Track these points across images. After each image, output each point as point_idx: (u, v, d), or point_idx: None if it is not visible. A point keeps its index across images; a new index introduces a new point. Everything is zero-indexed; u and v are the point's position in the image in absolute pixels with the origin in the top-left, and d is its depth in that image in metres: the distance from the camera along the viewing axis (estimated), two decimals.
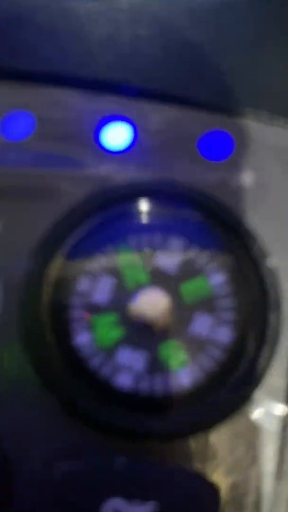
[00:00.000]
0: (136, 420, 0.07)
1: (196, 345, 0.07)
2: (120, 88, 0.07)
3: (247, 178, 0.07)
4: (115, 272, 0.07)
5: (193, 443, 0.07)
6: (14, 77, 0.07)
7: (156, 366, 0.07)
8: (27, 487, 0.06)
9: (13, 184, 0.07)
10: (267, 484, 0.07)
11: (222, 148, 0.07)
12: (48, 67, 0.07)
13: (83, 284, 0.07)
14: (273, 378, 0.07)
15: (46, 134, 0.07)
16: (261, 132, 0.07)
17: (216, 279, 0.07)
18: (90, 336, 0.07)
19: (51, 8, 0.07)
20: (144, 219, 0.07)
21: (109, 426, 0.07)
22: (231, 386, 0.07)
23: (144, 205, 0.07)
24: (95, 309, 0.07)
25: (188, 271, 0.07)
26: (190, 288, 0.07)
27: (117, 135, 0.07)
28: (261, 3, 0.08)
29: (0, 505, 0.07)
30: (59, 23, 0.07)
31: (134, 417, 0.07)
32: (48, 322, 0.07)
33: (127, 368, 0.07)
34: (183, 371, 0.07)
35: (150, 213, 0.07)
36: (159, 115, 0.07)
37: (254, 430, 0.07)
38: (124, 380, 0.07)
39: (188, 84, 0.07)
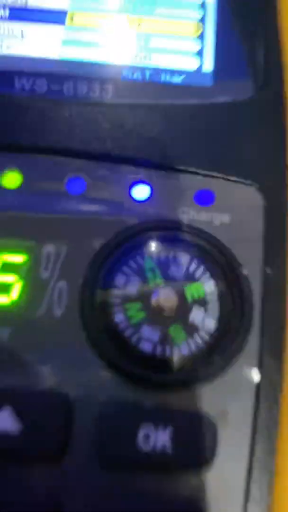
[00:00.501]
0: (152, 372, 0.10)
1: (192, 329, 0.10)
2: (141, 162, 0.12)
3: (225, 218, 0.11)
4: (142, 276, 0.10)
5: (192, 392, 0.10)
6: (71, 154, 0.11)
7: (166, 340, 0.10)
8: (83, 428, 0.09)
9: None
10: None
11: (208, 199, 0.11)
12: (95, 148, 0.12)
13: (119, 282, 0.10)
14: (248, 348, 0.10)
15: (95, 192, 0.11)
16: (231, 187, 0.11)
17: (208, 285, 0.11)
18: (124, 317, 0.10)
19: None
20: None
21: (136, 375, 0.10)
22: (217, 354, 0.10)
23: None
24: (127, 299, 0.10)
25: (190, 278, 0.10)
26: (191, 290, 0.10)
27: (141, 191, 0.11)
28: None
29: (60, 444, 0.09)
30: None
31: (151, 370, 0.10)
32: (99, 309, 0.10)
33: (147, 339, 0.10)
34: (183, 344, 0.10)
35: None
36: (167, 178, 0.11)
37: (237, 385, 0.10)
38: (145, 347, 0.10)
39: (185, 159, 0.11)
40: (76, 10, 0.13)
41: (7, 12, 0.13)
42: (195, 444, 0.09)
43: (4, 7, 0.13)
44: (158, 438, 0.09)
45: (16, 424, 0.09)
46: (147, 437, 0.09)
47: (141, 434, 0.09)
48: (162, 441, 0.09)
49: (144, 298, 0.10)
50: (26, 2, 0.14)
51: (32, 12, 0.13)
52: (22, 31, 0.13)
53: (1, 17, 0.13)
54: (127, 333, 0.10)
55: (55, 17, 0.13)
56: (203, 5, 0.14)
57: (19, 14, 0.13)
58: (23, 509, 0.09)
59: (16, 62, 0.13)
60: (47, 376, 0.10)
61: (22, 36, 0.13)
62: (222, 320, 0.10)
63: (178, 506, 0.09)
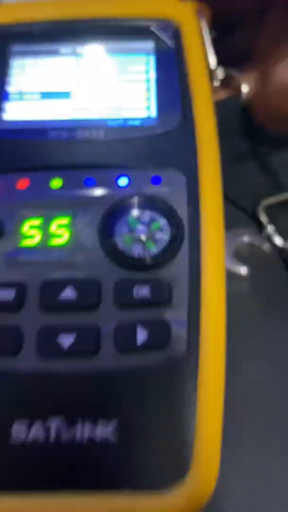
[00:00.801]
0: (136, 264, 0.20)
1: (157, 242, 0.21)
2: (124, 166, 0.22)
3: (166, 189, 0.21)
4: (128, 224, 0.21)
5: (155, 272, 0.20)
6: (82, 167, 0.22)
7: (144, 249, 0.20)
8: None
9: None
10: None
11: (158, 180, 0.22)
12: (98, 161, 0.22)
13: (118, 228, 0.21)
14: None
15: (99, 183, 0.22)
16: (171, 173, 0.22)
17: (162, 222, 0.21)
18: (123, 244, 0.20)
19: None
20: None
21: (129, 265, 0.20)
22: (168, 253, 0.20)
23: None
24: (122, 235, 0.21)
25: (153, 220, 0.21)
26: (155, 225, 0.21)
27: (123, 181, 0.22)
28: None
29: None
30: None
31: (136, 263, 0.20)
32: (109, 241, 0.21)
33: (135, 250, 0.20)
34: (152, 249, 0.20)
35: None
36: (138, 173, 0.22)
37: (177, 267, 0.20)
38: (135, 253, 0.20)
39: (147, 162, 0.22)
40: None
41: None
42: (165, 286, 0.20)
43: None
44: (142, 291, 0.20)
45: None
46: (137, 290, 0.20)
47: (135, 290, 0.20)
48: (144, 293, 0.20)
49: (131, 233, 0.21)
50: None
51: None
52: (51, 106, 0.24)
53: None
54: (125, 249, 0.20)
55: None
56: (148, 80, 0.25)
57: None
58: None
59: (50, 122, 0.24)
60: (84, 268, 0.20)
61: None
62: (170, 238, 0.21)
63: None
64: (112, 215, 0.21)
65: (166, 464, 0.18)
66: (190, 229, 0.21)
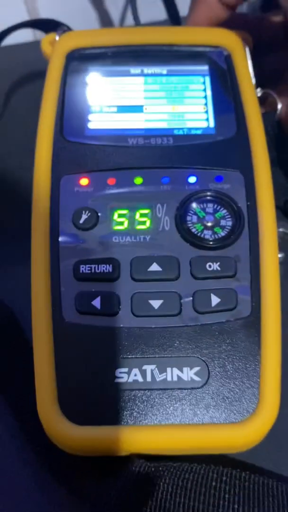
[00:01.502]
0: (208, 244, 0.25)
1: (222, 227, 0.25)
2: (190, 166, 0.27)
3: (228, 186, 0.26)
4: (196, 214, 0.26)
5: (223, 250, 0.25)
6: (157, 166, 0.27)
7: (213, 232, 0.25)
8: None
9: None
10: None
11: (220, 179, 0.26)
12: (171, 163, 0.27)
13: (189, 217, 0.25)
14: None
15: (173, 180, 0.27)
16: (230, 172, 0.26)
17: (224, 212, 0.26)
18: (195, 229, 0.25)
19: None
20: None
21: (200, 245, 0.25)
22: (233, 236, 0.25)
23: None
24: (194, 223, 0.25)
25: (217, 210, 0.26)
26: (219, 215, 0.26)
27: (192, 179, 0.27)
28: None
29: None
30: None
31: (207, 243, 0.25)
32: (183, 226, 0.25)
33: (207, 233, 0.25)
34: (220, 233, 0.25)
35: None
36: (204, 171, 0.27)
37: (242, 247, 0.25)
38: (206, 235, 0.25)
39: (214, 164, 0.27)
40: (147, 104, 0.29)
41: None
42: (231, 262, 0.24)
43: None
44: (213, 266, 0.24)
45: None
46: (209, 265, 0.24)
47: (207, 265, 0.24)
48: (215, 267, 0.24)
49: (200, 221, 0.25)
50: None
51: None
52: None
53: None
54: (197, 233, 0.25)
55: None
56: (205, 97, 0.29)
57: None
58: None
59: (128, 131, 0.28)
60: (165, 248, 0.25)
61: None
62: (232, 224, 0.25)
63: None
64: (185, 206, 0.25)
65: (239, 401, 0.22)
66: (249, 217, 0.25)
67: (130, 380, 0.22)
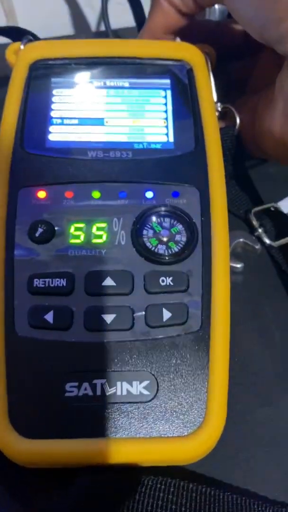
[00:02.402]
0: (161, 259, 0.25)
1: (177, 243, 0.25)
2: (146, 181, 0.27)
3: (183, 201, 0.26)
4: (152, 228, 0.26)
5: (175, 266, 0.25)
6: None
7: (167, 247, 0.25)
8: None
9: None
10: None
11: (177, 195, 0.26)
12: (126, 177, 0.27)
13: (145, 232, 0.25)
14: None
15: (131, 196, 0.27)
16: (186, 188, 0.26)
17: (180, 227, 0.26)
18: (149, 244, 0.25)
19: None
20: None
21: (154, 260, 0.25)
22: (187, 251, 0.25)
23: None
24: (149, 237, 0.25)
25: (173, 226, 0.26)
26: (174, 230, 0.26)
27: (149, 194, 0.27)
28: None
29: None
30: None
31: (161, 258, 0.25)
32: (138, 241, 0.25)
33: (161, 249, 0.25)
34: (173, 248, 0.25)
35: None
36: (161, 187, 0.27)
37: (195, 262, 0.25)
38: (160, 251, 0.25)
39: (170, 179, 0.27)
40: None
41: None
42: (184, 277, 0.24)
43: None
44: (166, 281, 0.24)
45: None
46: (162, 280, 0.24)
47: (160, 280, 0.24)
48: (168, 282, 0.24)
49: (156, 235, 0.25)
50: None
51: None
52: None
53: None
54: (152, 248, 0.25)
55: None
56: (166, 111, 0.29)
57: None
58: None
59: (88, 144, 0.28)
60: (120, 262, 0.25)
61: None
62: (187, 239, 0.25)
63: None
64: (141, 221, 0.25)
65: (187, 415, 0.22)
66: (203, 232, 0.25)
67: (80, 394, 0.22)
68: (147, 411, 0.22)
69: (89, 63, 0.30)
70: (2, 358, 0.23)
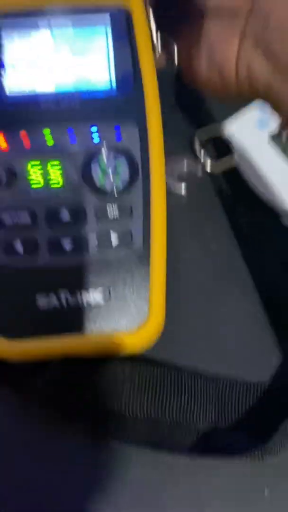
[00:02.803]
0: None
1: (120, 179, 0.30)
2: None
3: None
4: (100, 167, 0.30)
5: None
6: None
7: (112, 179, 0.30)
8: None
9: None
10: None
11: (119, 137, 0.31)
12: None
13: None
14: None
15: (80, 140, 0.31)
16: (128, 125, 0.31)
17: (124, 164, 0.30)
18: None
19: None
20: None
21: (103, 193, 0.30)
22: (130, 184, 0.30)
23: None
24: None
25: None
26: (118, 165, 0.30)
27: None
28: None
29: None
30: None
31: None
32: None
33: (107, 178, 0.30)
34: (118, 183, 0.30)
35: None
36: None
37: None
38: (107, 184, 0.30)
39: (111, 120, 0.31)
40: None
41: None
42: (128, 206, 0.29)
43: None
44: (113, 211, 0.29)
45: None
46: (110, 210, 0.29)
47: (108, 210, 0.29)
48: (114, 212, 0.29)
49: (103, 172, 0.30)
50: None
51: None
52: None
53: None
54: (99, 185, 0.30)
55: None
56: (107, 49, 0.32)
57: None
58: None
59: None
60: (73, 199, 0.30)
61: None
62: (130, 175, 0.30)
63: None
64: (90, 161, 0.30)
65: (133, 314, 0.29)
66: (142, 168, 0.30)
67: (49, 302, 0.28)
68: (103, 312, 0.29)
69: (34, 10, 0.32)
70: None
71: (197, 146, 0.39)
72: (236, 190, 0.38)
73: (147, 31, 0.32)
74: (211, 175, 0.39)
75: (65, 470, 0.29)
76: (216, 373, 0.31)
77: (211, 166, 0.39)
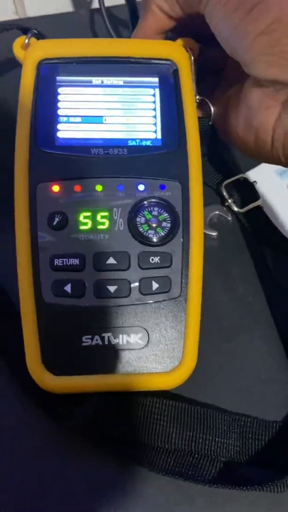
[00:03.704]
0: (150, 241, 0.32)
1: (163, 228, 0.32)
2: (139, 176, 0.33)
3: (169, 193, 0.33)
4: (144, 217, 0.32)
5: (165, 247, 0.32)
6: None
7: (155, 232, 0.32)
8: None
9: None
10: None
11: (163, 187, 0.33)
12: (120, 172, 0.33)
13: (138, 219, 0.32)
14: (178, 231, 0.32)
15: (127, 188, 0.33)
16: (171, 182, 0.33)
17: (165, 215, 0.32)
18: (142, 229, 0.32)
19: None
20: None
21: (146, 243, 0.32)
22: (171, 234, 0.32)
23: None
24: (141, 224, 0.32)
25: (160, 214, 0.32)
26: (161, 217, 0.32)
27: (141, 187, 0.33)
28: None
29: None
30: None
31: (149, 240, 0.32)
32: (133, 227, 0.32)
33: (150, 233, 0.32)
34: (160, 233, 0.32)
35: None
36: (150, 180, 0.33)
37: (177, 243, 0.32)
38: (150, 236, 0.32)
39: (156, 175, 0.33)
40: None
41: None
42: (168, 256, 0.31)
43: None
44: (154, 259, 0.31)
45: None
46: (152, 259, 0.31)
47: (150, 259, 0.31)
48: (156, 260, 0.31)
49: (147, 222, 0.32)
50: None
51: None
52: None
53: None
54: (143, 233, 0.32)
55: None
56: (154, 109, 0.34)
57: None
58: None
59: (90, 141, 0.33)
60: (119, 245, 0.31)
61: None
62: (171, 225, 0.32)
63: None
64: (135, 210, 0.32)
65: (169, 357, 0.31)
66: (183, 220, 0.32)
67: (93, 343, 0.30)
68: (142, 354, 0.31)
69: (88, 62, 0.34)
70: (34, 319, 0.30)
71: (224, 192, 0.41)
72: (262, 231, 0.40)
73: (193, 91, 0.34)
74: (238, 218, 0.41)
75: (73, 480, 0.31)
76: (237, 411, 0.33)
77: (237, 209, 0.41)
